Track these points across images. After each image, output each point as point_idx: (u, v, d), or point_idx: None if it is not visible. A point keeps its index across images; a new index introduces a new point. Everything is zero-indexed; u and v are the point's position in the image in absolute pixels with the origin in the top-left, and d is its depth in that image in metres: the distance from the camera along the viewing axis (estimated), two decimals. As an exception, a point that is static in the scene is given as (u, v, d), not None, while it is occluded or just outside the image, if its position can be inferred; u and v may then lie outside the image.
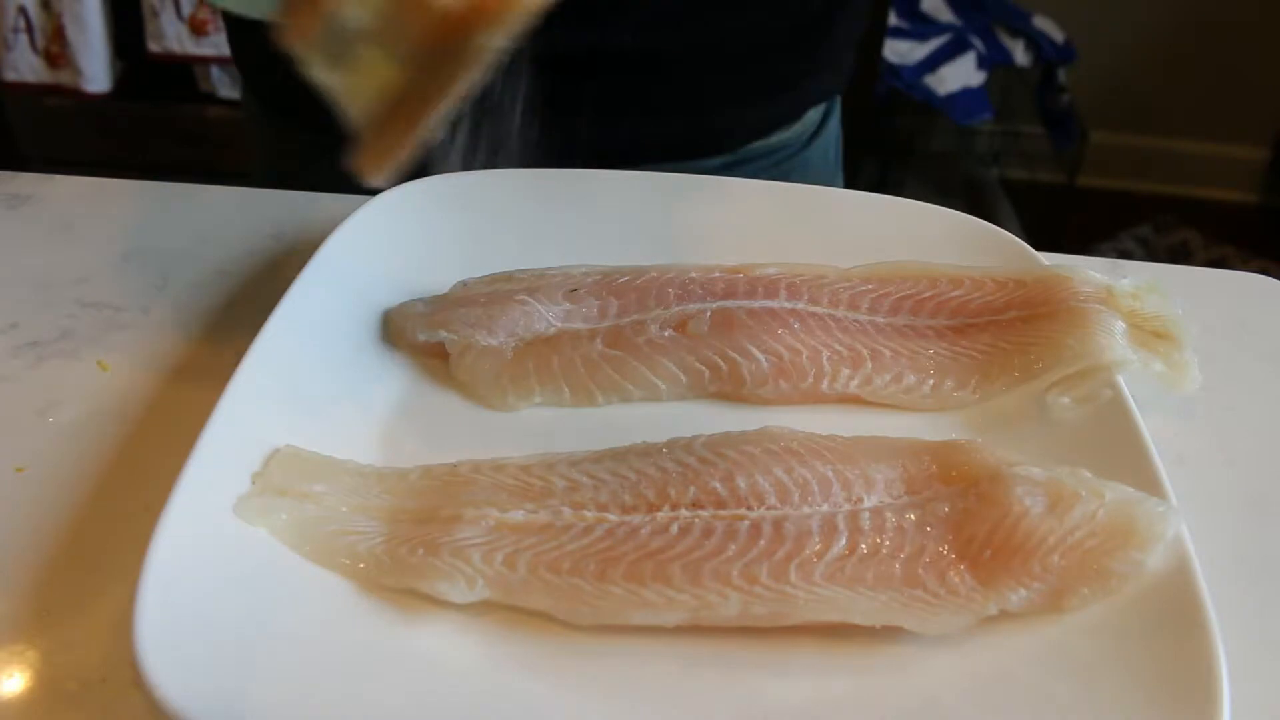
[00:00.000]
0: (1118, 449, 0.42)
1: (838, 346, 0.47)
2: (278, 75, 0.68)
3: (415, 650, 0.36)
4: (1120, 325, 0.46)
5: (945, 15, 1.84)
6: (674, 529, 0.39)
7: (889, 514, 0.39)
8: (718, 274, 0.50)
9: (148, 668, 0.32)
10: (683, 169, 0.58)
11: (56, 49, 1.74)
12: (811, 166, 0.71)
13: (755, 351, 0.47)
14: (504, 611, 0.37)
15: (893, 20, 1.77)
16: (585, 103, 0.62)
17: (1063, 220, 2.04)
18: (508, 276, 0.51)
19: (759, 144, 0.67)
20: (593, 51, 0.60)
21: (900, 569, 0.37)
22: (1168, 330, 0.47)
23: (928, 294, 0.50)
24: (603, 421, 0.46)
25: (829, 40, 0.66)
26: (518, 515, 0.40)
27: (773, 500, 0.40)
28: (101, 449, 0.45)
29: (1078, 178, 2.04)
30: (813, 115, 0.70)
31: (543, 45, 0.59)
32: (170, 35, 1.74)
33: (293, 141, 0.70)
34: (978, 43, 1.81)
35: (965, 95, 1.77)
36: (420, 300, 0.50)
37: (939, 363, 0.47)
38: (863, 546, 0.38)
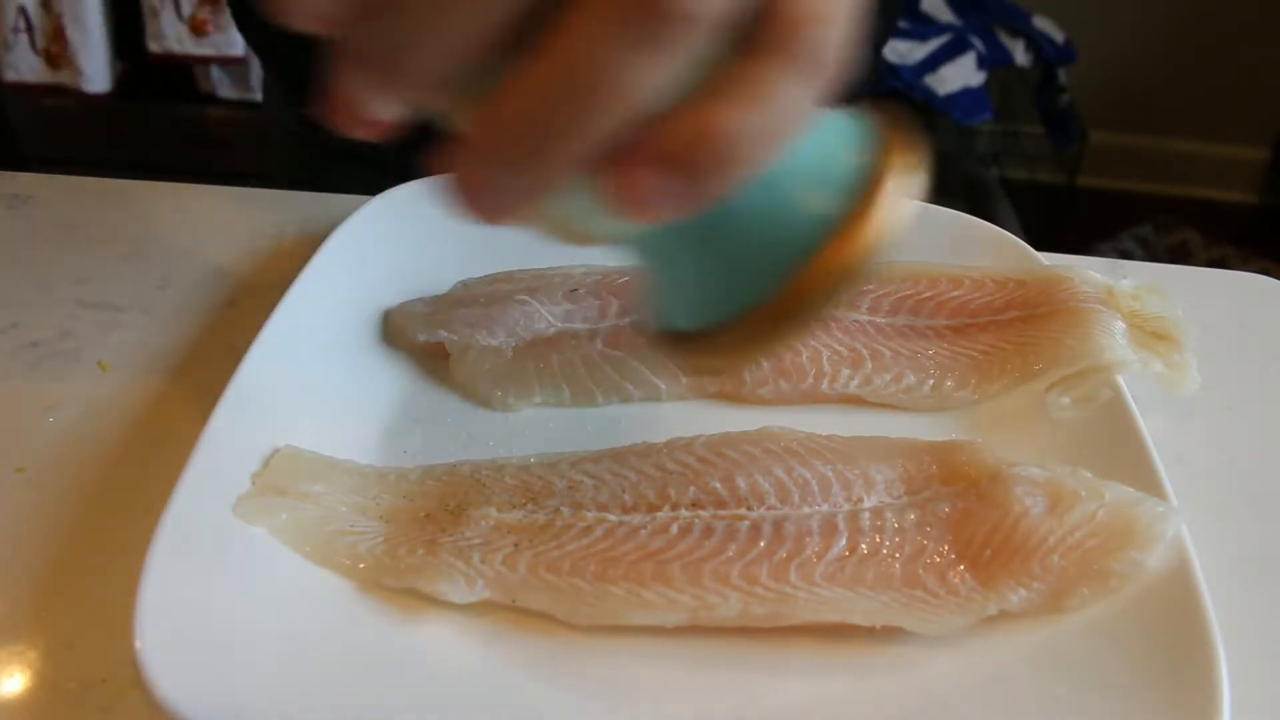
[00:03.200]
0: (1118, 449, 0.42)
1: (838, 346, 0.47)
2: (302, 59, 0.68)
3: (415, 650, 0.36)
4: (1120, 325, 0.46)
5: (945, 15, 1.84)
6: (674, 529, 0.39)
7: (889, 514, 0.39)
8: (718, 274, 0.50)
9: (148, 667, 0.32)
10: None
11: (57, 49, 1.74)
12: None
13: (755, 351, 0.47)
14: (504, 611, 0.37)
15: (893, 20, 1.77)
16: None
17: (1063, 220, 2.04)
18: (508, 276, 0.51)
19: None
20: None
21: (900, 569, 0.37)
22: (1167, 331, 0.47)
23: (928, 294, 0.50)
24: (603, 421, 0.46)
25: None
26: (518, 515, 0.40)
27: (773, 500, 0.40)
28: (101, 449, 0.45)
29: (1078, 178, 2.04)
30: None
31: None
32: (170, 35, 1.74)
33: (318, 138, 0.70)
34: (978, 43, 1.81)
35: (965, 95, 1.77)
36: (420, 300, 0.50)
37: (939, 363, 0.47)
38: (863, 547, 0.38)
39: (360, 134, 0.24)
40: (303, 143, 0.71)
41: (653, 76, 0.21)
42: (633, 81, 0.21)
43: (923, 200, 0.26)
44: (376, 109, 0.23)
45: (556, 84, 0.21)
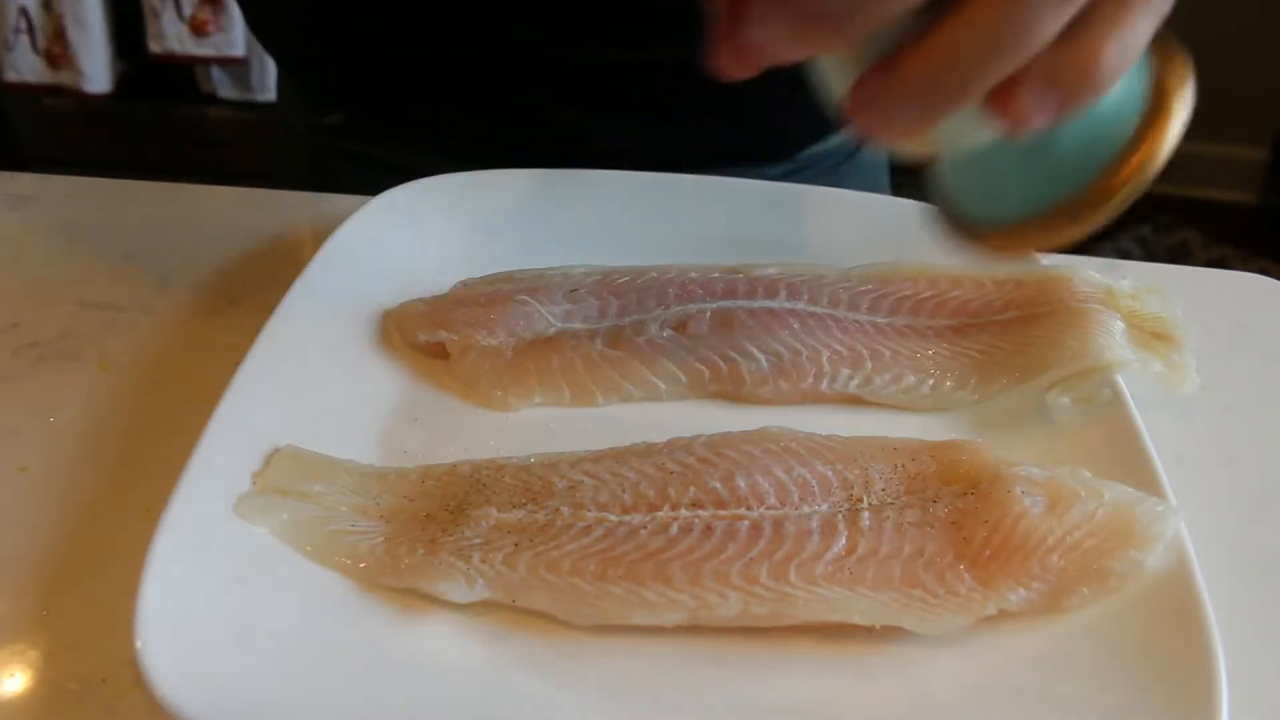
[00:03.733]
0: (1117, 449, 0.42)
1: (838, 347, 0.47)
2: (318, 61, 0.67)
3: (415, 650, 0.36)
4: (1119, 325, 0.46)
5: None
6: (674, 529, 0.39)
7: (889, 514, 0.39)
8: (717, 274, 0.50)
9: (149, 667, 0.32)
10: (745, 175, 0.59)
11: (57, 49, 1.74)
12: (864, 167, 0.71)
13: (755, 351, 0.47)
14: (504, 611, 0.37)
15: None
16: (649, 108, 0.63)
17: (1062, 220, 2.04)
18: (508, 276, 0.51)
19: (818, 148, 0.67)
20: (659, 60, 0.60)
21: (900, 569, 0.37)
22: (1167, 331, 0.47)
23: (928, 294, 0.50)
24: (603, 421, 0.46)
25: None
26: (518, 515, 0.40)
27: (773, 500, 0.40)
28: (102, 449, 0.45)
29: (1077, 178, 2.03)
30: None
31: (617, 53, 0.59)
32: (171, 36, 1.74)
33: (327, 141, 0.70)
34: (978, 43, 1.81)
35: (965, 95, 1.77)
36: (420, 300, 0.50)
37: (939, 363, 0.47)
38: (862, 546, 0.38)
39: (739, 74, 0.28)
40: (311, 145, 0.71)
41: (1054, 25, 0.26)
42: (1038, 30, 0.26)
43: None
44: (780, 55, 0.27)
45: (981, 34, 0.26)
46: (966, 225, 0.35)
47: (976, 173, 0.34)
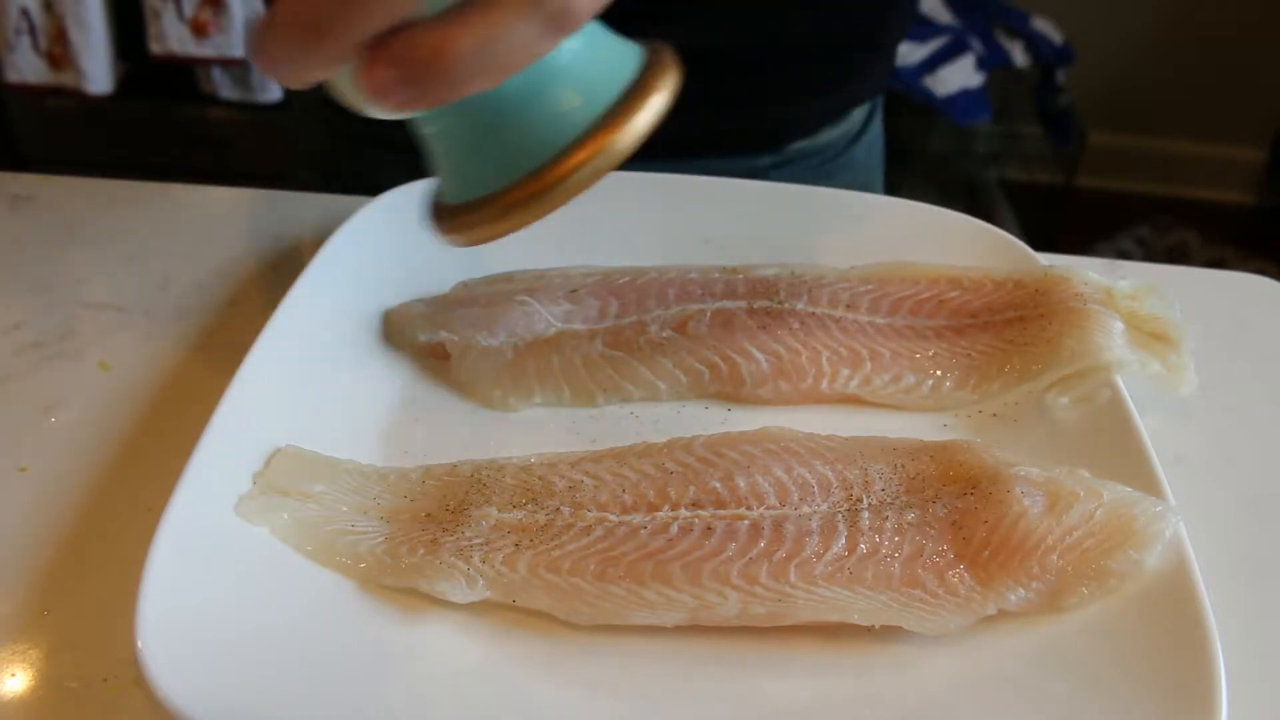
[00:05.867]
0: (1116, 449, 0.42)
1: (837, 347, 0.48)
2: None
3: (415, 650, 0.36)
4: (1119, 326, 0.46)
5: (944, 16, 1.84)
6: (674, 529, 0.39)
7: (888, 514, 0.39)
8: (717, 274, 0.51)
9: (149, 666, 0.32)
10: (729, 167, 0.58)
11: (59, 50, 1.74)
12: (857, 165, 0.71)
13: (755, 351, 0.47)
14: (504, 611, 0.38)
15: (892, 21, 1.76)
16: None
17: (1061, 221, 2.05)
18: (508, 277, 0.51)
19: (805, 143, 0.67)
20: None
21: (899, 569, 0.37)
22: (1166, 332, 0.47)
23: (927, 294, 0.50)
24: (603, 421, 0.46)
25: (879, 40, 0.67)
26: (518, 515, 0.40)
27: (772, 500, 0.40)
28: (103, 449, 0.45)
29: (1076, 178, 2.04)
30: (857, 115, 0.70)
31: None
32: (172, 36, 1.74)
33: (346, 126, 0.69)
34: (976, 44, 1.81)
35: (964, 96, 1.77)
36: (420, 300, 0.50)
37: (938, 363, 0.47)
38: (862, 546, 0.38)
39: None
40: (329, 132, 0.71)
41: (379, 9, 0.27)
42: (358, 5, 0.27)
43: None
44: None
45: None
46: (439, 206, 0.35)
47: (448, 154, 0.33)
